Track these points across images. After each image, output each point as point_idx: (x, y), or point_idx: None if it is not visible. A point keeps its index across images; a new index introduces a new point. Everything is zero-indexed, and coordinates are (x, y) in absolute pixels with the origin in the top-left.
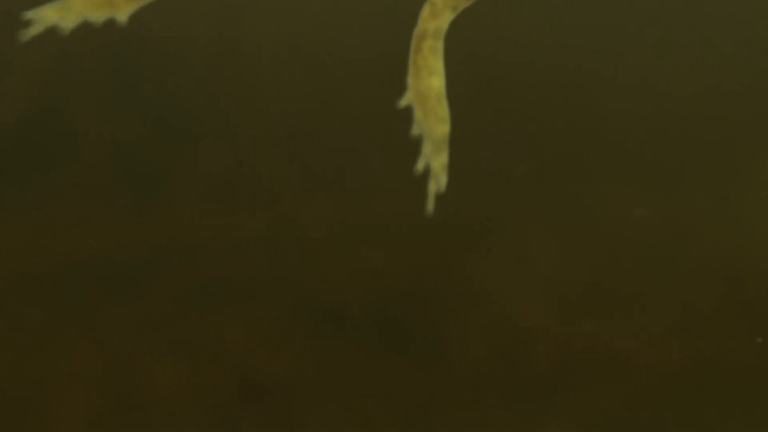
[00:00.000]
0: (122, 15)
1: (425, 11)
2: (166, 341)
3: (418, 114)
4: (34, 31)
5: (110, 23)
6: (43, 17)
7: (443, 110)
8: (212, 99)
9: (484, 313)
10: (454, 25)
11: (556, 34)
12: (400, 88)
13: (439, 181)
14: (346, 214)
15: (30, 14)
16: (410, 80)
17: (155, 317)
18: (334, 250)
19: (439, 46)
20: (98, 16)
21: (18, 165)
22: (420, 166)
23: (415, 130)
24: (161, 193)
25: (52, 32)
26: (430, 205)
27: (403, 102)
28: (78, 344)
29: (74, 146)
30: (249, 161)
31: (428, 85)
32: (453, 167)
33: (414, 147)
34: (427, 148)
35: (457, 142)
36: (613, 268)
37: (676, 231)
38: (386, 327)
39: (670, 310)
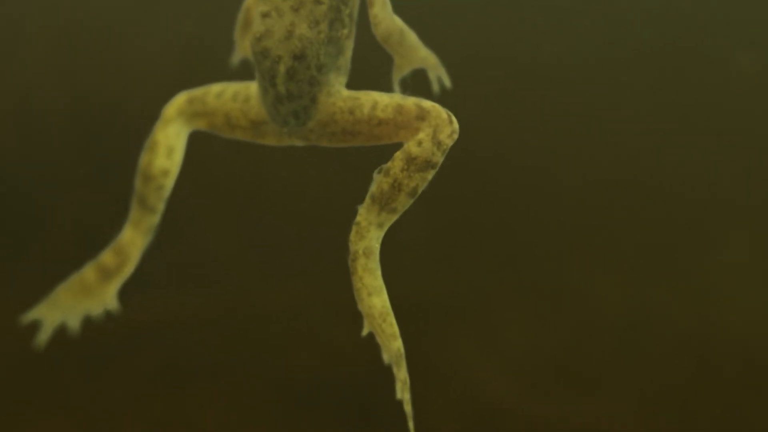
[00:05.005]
0: (110, 300)
1: (352, 234)
2: (138, 420)
3: (377, 337)
4: (45, 336)
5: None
6: (44, 319)
7: (390, 327)
8: (177, 189)
9: (452, 393)
10: None
11: (522, 123)
12: (360, 174)
13: (404, 396)
14: (310, 298)
15: (30, 316)
16: (357, 305)
17: (128, 396)
18: (300, 333)
19: (374, 264)
20: (94, 308)
21: None
22: (397, 391)
23: (384, 358)
24: (131, 278)
25: (15, 108)
26: (411, 427)
27: (364, 331)
28: (52, 421)
29: (42, 231)
30: (213, 248)
31: (370, 305)
32: (422, 246)
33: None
34: (393, 369)
35: (426, 222)
36: (581, 348)
37: (644, 311)
38: (353, 407)
39: (638, 390)
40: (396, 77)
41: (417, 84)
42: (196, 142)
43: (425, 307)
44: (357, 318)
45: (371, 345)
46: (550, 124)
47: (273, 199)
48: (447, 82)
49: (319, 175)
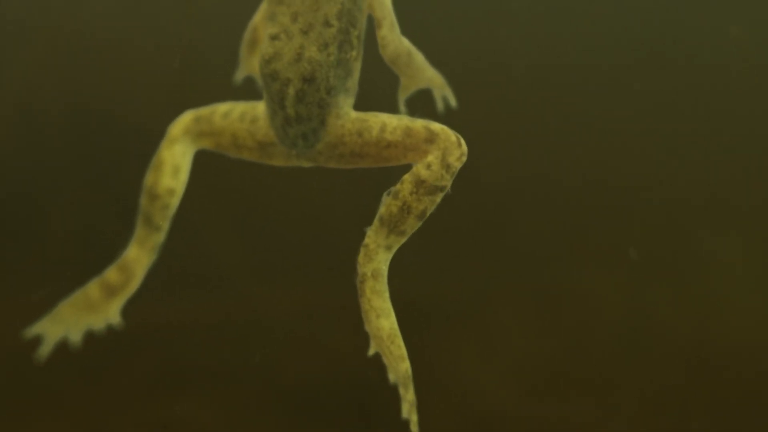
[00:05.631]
0: (113, 316)
1: (360, 256)
2: (137, 423)
3: (384, 358)
4: (46, 349)
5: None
6: (47, 333)
7: (398, 349)
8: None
9: (450, 397)
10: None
11: (521, 127)
12: (360, 178)
13: (411, 418)
14: (311, 302)
15: (33, 331)
16: (365, 326)
17: (127, 399)
18: (300, 337)
19: (381, 286)
20: (96, 323)
21: None
22: (404, 411)
23: (391, 378)
24: None
25: (15, 111)
26: None
27: (371, 351)
28: (51, 423)
29: (41, 232)
30: (214, 253)
31: (378, 327)
32: (420, 250)
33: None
34: (401, 390)
35: (426, 227)
36: (581, 351)
37: (643, 313)
38: (354, 412)
39: (638, 392)
40: (402, 97)
41: (422, 103)
42: (201, 158)
43: (426, 312)
44: (357, 323)
45: (368, 350)
46: (548, 128)
47: (273, 204)
48: (452, 101)
49: (320, 180)
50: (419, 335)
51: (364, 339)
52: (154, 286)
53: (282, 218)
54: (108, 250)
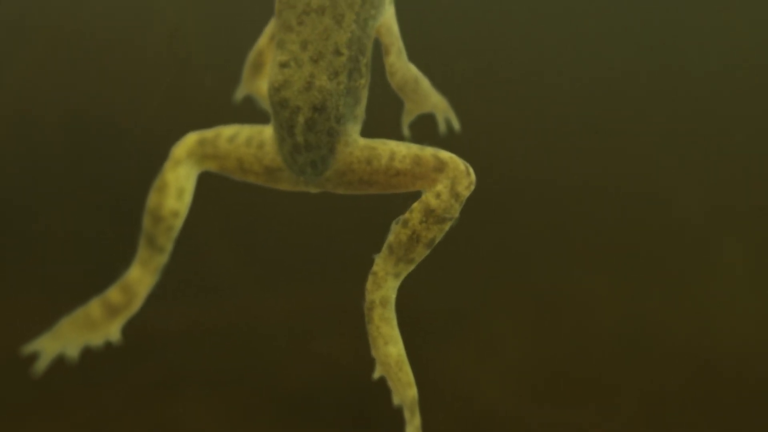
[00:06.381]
0: (114, 334)
1: (369, 283)
2: (136, 427)
3: (390, 383)
4: (42, 365)
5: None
6: (45, 349)
7: (406, 375)
8: None
9: (450, 401)
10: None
11: (519, 132)
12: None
13: None
14: (308, 308)
15: (31, 347)
16: (372, 352)
17: (127, 404)
18: (298, 342)
19: (390, 313)
20: (95, 340)
21: None
22: None
23: (395, 400)
24: None
25: (13, 114)
26: None
27: (376, 375)
28: (51, 427)
29: (42, 234)
30: (212, 259)
31: (386, 354)
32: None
33: (368, 239)
34: (406, 414)
35: None
36: (579, 355)
37: (641, 317)
38: (352, 416)
39: (636, 396)
40: (406, 121)
41: (426, 125)
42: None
43: (425, 315)
44: (355, 328)
45: (370, 354)
46: (547, 131)
47: (272, 212)
48: (456, 125)
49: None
50: (419, 338)
51: (363, 344)
52: (156, 292)
53: (281, 226)
54: (107, 252)
